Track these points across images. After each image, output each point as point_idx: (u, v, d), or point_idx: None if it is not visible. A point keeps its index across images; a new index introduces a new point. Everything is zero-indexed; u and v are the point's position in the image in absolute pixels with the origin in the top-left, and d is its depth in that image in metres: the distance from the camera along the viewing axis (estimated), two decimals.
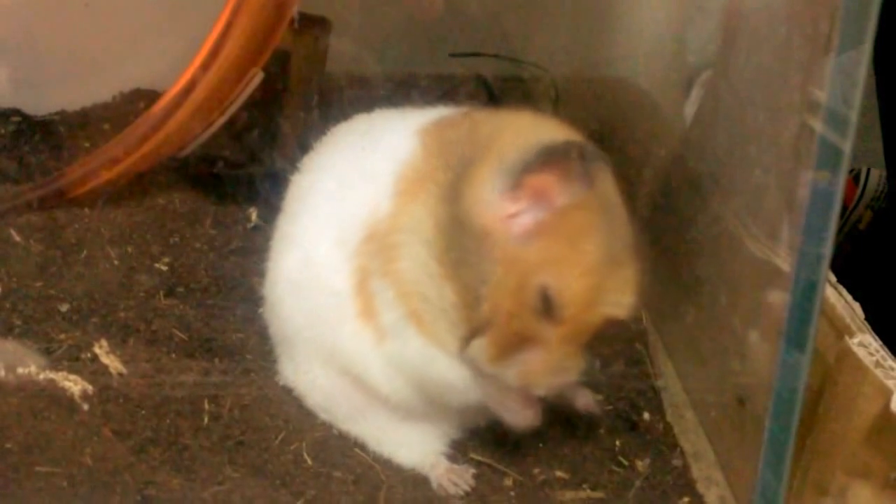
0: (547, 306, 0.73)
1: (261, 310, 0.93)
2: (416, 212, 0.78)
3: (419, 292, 0.77)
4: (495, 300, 0.74)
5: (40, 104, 1.25)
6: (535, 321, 0.74)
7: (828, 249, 0.71)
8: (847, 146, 0.68)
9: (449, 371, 0.79)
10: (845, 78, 0.68)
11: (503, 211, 0.74)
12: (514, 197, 0.74)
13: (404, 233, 0.78)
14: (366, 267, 0.80)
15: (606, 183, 0.78)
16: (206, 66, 1.02)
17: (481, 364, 0.77)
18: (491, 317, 0.74)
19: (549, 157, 0.72)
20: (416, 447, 0.85)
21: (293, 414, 0.87)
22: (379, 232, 0.79)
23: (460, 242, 0.75)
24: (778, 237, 0.78)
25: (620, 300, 0.76)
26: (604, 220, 0.75)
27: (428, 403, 0.83)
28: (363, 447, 0.86)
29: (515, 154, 0.74)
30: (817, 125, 0.69)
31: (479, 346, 0.76)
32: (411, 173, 0.79)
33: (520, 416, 0.80)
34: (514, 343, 0.75)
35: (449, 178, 0.77)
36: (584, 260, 0.73)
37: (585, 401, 0.87)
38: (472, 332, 0.76)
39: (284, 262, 0.88)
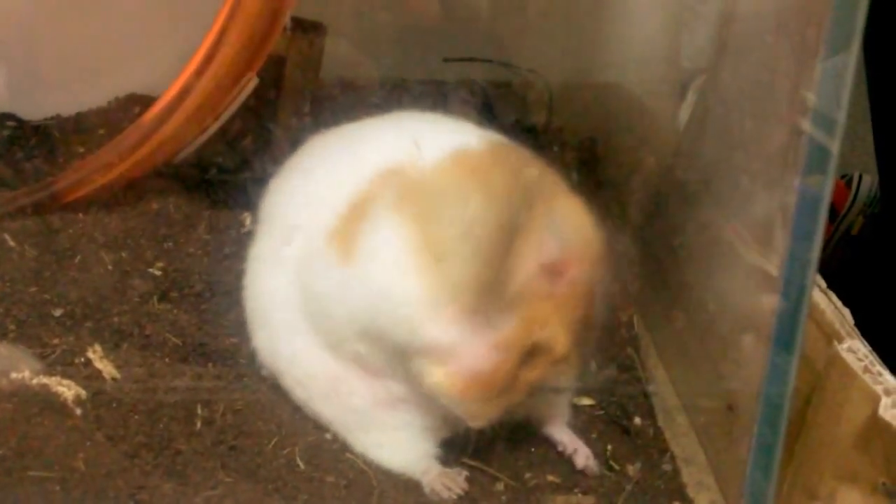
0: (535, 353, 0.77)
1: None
2: (475, 188, 0.75)
3: (443, 246, 0.75)
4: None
5: (35, 109, 1.25)
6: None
7: (816, 252, 0.72)
8: (835, 147, 0.69)
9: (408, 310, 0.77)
10: (834, 79, 0.68)
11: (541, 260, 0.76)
12: (554, 266, 0.76)
13: (452, 196, 0.76)
14: (375, 194, 0.79)
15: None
16: (200, 72, 1.02)
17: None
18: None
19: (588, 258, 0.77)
20: (407, 451, 0.85)
21: (286, 419, 0.87)
22: (408, 174, 0.78)
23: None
24: (767, 241, 0.78)
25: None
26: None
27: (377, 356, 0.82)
28: (355, 452, 0.86)
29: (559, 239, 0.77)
30: (806, 126, 0.70)
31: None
32: (478, 153, 0.80)
33: None
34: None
35: (521, 186, 0.77)
36: (578, 321, 0.79)
37: (586, 460, 0.88)
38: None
39: (273, 219, 0.90)
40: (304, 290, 0.85)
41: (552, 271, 0.77)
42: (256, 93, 1.06)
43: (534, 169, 0.81)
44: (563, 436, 0.89)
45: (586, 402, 0.95)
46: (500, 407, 0.78)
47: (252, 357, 0.92)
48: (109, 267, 1.00)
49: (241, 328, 0.95)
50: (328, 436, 0.87)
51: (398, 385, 0.83)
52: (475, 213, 0.74)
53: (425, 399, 0.82)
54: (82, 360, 0.89)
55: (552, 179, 0.82)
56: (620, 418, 0.93)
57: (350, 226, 0.79)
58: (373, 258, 0.77)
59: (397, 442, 0.85)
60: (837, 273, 0.93)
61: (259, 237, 0.94)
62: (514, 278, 0.75)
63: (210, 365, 0.92)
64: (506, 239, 0.75)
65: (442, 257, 0.74)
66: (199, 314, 0.98)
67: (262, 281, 0.90)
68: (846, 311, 0.84)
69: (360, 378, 0.84)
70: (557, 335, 0.77)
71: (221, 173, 1.15)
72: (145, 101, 1.19)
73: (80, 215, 1.06)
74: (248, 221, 1.08)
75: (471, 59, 1.30)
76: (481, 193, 0.75)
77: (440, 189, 0.77)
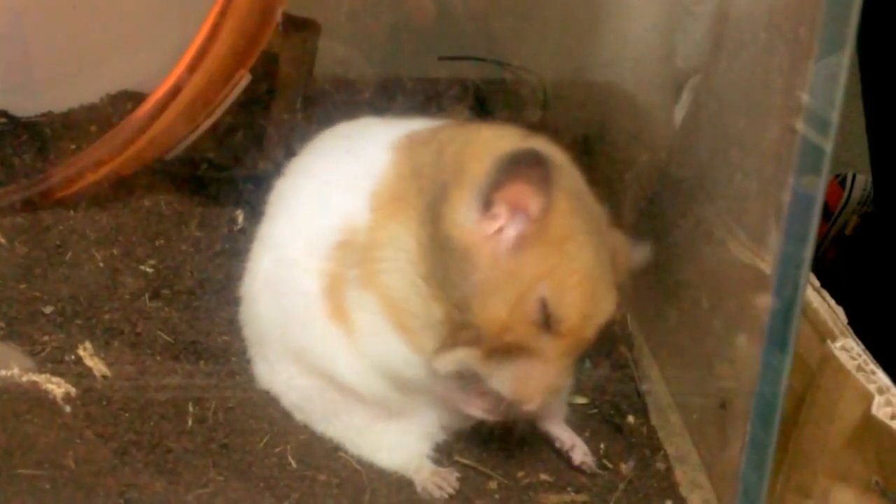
0: (546, 318, 0.74)
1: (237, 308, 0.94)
2: (397, 231, 0.79)
3: (407, 308, 0.79)
4: (488, 315, 0.75)
5: (27, 105, 1.25)
6: (534, 333, 0.75)
7: (809, 251, 0.72)
8: (829, 147, 0.69)
9: (424, 372, 0.81)
10: (828, 79, 0.68)
11: (485, 230, 0.75)
12: (491, 215, 0.75)
13: (388, 249, 0.79)
14: (338, 273, 0.81)
15: (574, 181, 0.79)
16: (192, 69, 1.02)
17: (475, 368, 0.78)
18: (483, 331, 0.75)
19: (509, 168, 0.74)
20: (399, 450, 0.85)
21: (278, 417, 0.87)
22: (356, 242, 0.80)
23: (445, 263, 0.76)
24: (761, 240, 0.78)
25: (609, 304, 0.77)
26: (582, 220, 0.76)
27: (399, 399, 0.84)
28: (348, 451, 0.86)
29: (482, 173, 0.75)
30: (800, 125, 0.70)
31: (470, 355, 0.77)
32: (385, 192, 0.81)
33: (480, 410, 0.83)
34: (505, 353, 0.76)
35: (424, 203, 0.78)
36: (575, 267, 0.75)
37: (583, 457, 0.88)
38: (458, 344, 0.77)
39: (260, 261, 0.89)
40: (308, 350, 0.85)
41: (525, 208, 0.74)
42: (249, 90, 1.06)
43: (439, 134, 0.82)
44: (561, 432, 0.89)
45: (580, 400, 0.95)
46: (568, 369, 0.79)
47: (243, 355, 0.92)
48: (100, 264, 1.00)
49: (232, 326, 0.95)
50: (319, 434, 0.87)
51: (394, 405, 0.85)
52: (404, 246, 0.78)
53: (423, 413, 0.85)
54: (72, 357, 0.88)
55: (465, 128, 0.83)
56: (614, 416, 0.93)
57: (337, 308, 0.82)
58: (369, 334, 0.81)
59: (391, 443, 0.85)
60: (831, 272, 0.93)
61: (250, 268, 0.92)
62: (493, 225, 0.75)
63: (201, 363, 0.92)
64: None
65: (412, 307, 0.78)
66: (190, 312, 0.97)
67: (256, 314, 0.90)
68: (839, 310, 0.84)
69: (356, 399, 0.85)
70: (558, 292, 0.74)
71: (213, 170, 1.15)
72: (137, 98, 1.19)
73: (71, 212, 1.05)
74: (240, 219, 1.07)
75: (466, 58, 1.30)
76: (400, 225, 0.79)
77: (378, 244, 0.79)
